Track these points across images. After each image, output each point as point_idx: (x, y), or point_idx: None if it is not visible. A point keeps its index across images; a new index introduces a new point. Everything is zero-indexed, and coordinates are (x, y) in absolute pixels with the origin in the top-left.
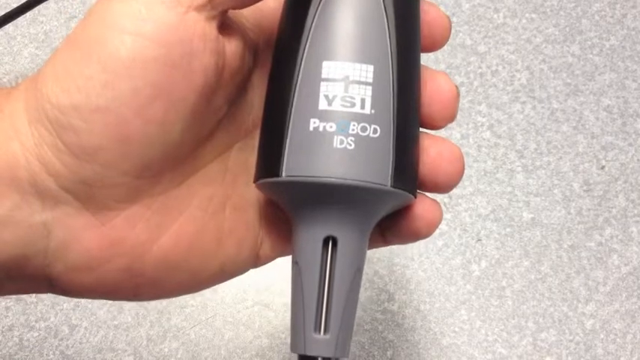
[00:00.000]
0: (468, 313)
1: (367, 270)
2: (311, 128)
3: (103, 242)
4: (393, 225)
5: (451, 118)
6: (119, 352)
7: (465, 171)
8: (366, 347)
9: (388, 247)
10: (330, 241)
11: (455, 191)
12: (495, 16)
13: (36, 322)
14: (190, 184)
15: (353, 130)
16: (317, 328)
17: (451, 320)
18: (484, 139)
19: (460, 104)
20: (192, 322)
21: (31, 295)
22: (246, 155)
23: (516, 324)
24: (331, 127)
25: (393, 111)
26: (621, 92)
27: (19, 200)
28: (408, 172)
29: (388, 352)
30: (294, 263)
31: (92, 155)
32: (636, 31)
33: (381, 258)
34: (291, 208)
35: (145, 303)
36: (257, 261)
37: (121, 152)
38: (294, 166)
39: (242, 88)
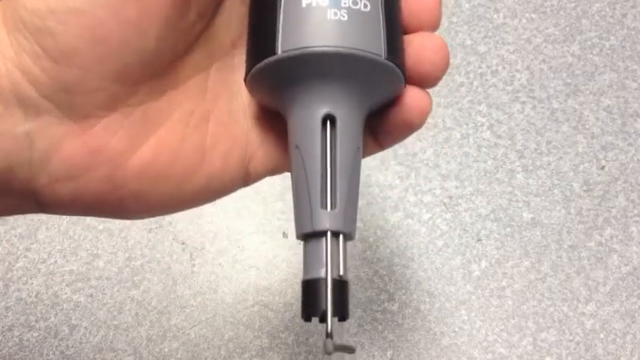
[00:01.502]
0: (467, 313)
1: (367, 270)
2: (304, 5)
3: (83, 150)
4: (385, 122)
5: (437, 21)
6: (119, 352)
7: (465, 171)
8: (366, 347)
9: (388, 247)
10: (328, 121)
11: (455, 191)
12: (495, 16)
13: (36, 322)
14: (170, 97)
15: (345, 3)
16: (324, 204)
17: (451, 320)
18: (484, 139)
19: (460, 104)
20: (192, 322)
21: (30, 294)
22: (226, 75)
23: (516, 324)
24: (324, 1)
25: None
26: (621, 92)
27: (2, 110)
28: (398, 49)
29: (388, 352)
30: (295, 148)
31: (70, 58)
32: (636, 31)
33: (381, 258)
34: (287, 93)
35: (145, 303)
36: (247, 178)
37: (98, 54)
38: (289, 41)
39: (217, 4)
